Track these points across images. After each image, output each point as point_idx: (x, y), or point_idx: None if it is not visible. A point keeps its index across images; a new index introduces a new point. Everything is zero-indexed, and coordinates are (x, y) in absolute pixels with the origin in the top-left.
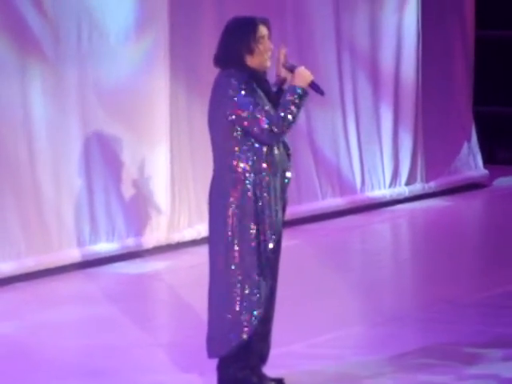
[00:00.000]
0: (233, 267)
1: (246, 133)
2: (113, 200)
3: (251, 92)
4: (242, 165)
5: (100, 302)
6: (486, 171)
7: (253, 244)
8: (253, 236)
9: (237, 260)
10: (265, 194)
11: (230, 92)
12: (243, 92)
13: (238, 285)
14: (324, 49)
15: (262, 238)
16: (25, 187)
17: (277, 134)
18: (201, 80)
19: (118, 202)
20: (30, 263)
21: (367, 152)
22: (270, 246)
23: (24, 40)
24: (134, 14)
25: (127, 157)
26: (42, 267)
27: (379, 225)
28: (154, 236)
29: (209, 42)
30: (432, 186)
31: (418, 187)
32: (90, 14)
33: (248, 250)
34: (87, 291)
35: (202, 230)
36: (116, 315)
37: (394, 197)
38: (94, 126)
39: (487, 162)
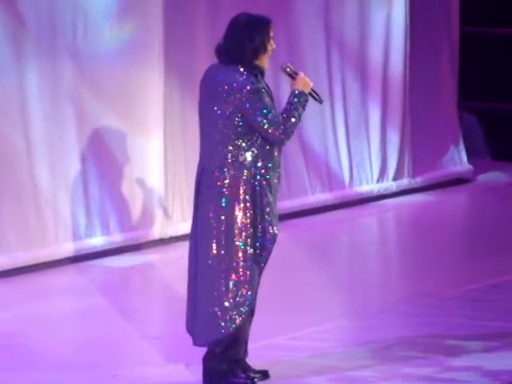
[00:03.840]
0: (226, 259)
1: (251, 128)
2: (107, 194)
3: (262, 93)
4: (243, 157)
5: (91, 295)
6: (470, 166)
7: (249, 235)
8: (250, 227)
9: (232, 254)
10: (264, 184)
11: (247, 89)
12: (260, 92)
13: (229, 277)
14: (313, 43)
15: (261, 229)
16: (22, 181)
17: (283, 138)
18: (194, 70)
19: (113, 196)
20: (26, 257)
21: (355, 147)
22: (270, 237)
23: (20, 33)
24: (128, 6)
25: (121, 150)
26: (37, 261)
27: (367, 219)
28: (148, 230)
29: (204, 34)
30: (418, 181)
31: (404, 182)
32: (84, 10)
33: (245, 243)
34: (80, 284)
35: None
36: (106, 308)
37: (382, 192)
38: (89, 119)
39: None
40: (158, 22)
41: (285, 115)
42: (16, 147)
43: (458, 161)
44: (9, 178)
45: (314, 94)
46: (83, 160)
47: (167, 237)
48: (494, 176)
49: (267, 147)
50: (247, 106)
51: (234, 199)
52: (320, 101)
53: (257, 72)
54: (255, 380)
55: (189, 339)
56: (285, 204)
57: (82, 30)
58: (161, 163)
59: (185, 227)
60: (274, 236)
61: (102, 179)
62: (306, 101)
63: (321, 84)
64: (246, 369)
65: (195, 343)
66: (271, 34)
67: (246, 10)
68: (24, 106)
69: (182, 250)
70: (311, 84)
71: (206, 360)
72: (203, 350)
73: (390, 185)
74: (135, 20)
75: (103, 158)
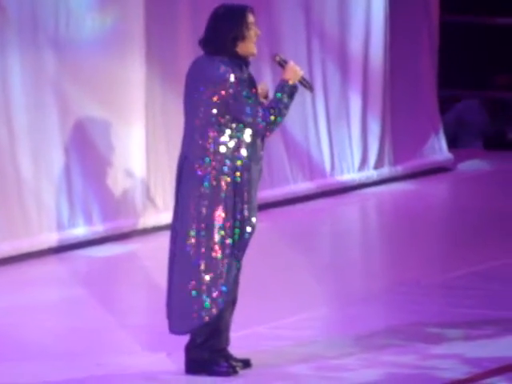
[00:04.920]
0: (203, 249)
1: (235, 119)
2: (90, 184)
3: (246, 83)
4: (225, 148)
5: (74, 285)
6: (450, 155)
7: (228, 225)
8: (229, 217)
9: (210, 244)
10: (245, 175)
11: (231, 80)
12: (244, 82)
13: (205, 267)
14: (294, 34)
15: (240, 220)
16: (5, 171)
17: (267, 129)
18: (176, 60)
19: (95, 186)
20: (9, 247)
21: (336, 137)
22: (248, 229)
23: (2, 22)
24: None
25: (103, 140)
26: (20, 251)
27: (348, 208)
28: (131, 220)
29: (185, 24)
30: (399, 169)
31: (385, 171)
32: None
33: (224, 234)
34: (63, 274)
35: None
36: (89, 298)
37: (363, 180)
38: (71, 109)
39: (451, 145)
40: (139, 12)
41: (271, 107)
42: None
43: (439, 149)
44: None
45: (304, 83)
46: (66, 150)
47: (150, 226)
48: (474, 164)
49: (250, 139)
50: (231, 96)
51: (214, 190)
52: (311, 89)
53: (241, 62)
54: (237, 369)
55: None
56: (266, 193)
57: (64, 20)
58: (143, 153)
59: (167, 217)
60: (253, 228)
61: (85, 169)
62: (295, 92)
63: None
64: (228, 358)
65: (171, 331)
66: (250, 21)
67: (227, 1)
68: (6, 96)
69: (165, 240)
70: (301, 72)
71: (188, 349)
72: (185, 339)
73: (371, 173)
74: (117, 10)
75: (86, 149)
